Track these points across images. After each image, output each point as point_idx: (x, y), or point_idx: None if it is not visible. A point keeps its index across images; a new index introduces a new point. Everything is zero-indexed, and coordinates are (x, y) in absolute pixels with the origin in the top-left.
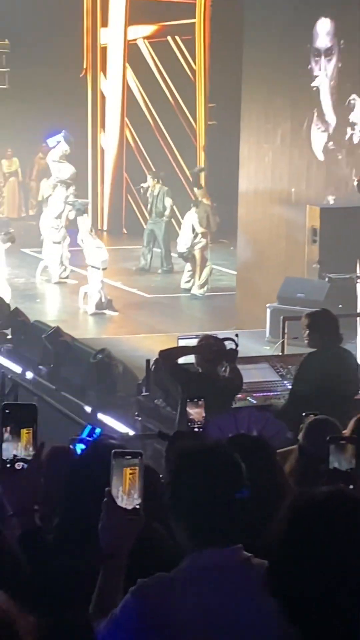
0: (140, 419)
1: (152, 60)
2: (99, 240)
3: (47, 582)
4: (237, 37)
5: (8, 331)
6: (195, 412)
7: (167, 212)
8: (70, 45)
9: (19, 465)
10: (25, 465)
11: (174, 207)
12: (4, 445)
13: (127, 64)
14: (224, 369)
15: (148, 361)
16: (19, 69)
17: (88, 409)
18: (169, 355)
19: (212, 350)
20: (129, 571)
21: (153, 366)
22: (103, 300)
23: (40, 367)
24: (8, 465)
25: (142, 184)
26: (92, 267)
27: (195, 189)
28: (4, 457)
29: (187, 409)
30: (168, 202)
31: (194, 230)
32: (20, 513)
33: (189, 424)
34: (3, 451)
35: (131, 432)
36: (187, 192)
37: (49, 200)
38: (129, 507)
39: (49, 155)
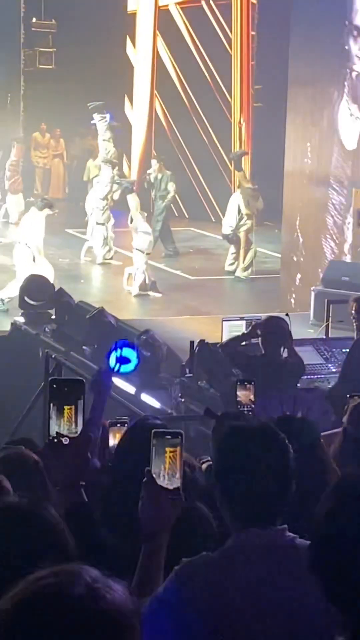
0: (183, 400)
1: (184, 27)
2: (146, 224)
3: (92, 558)
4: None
5: (52, 311)
6: (244, 395)
7: (169, 196)
8: (115, 25)
9: (65, 440)
10: (70, 442)
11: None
12: (50, 421)
13: (157, 32)
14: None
15: (192, 343)
16: (65, 50)
17: (131, 389)
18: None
19: (280, 330)
20: (171, 551)
21: (197, 348)
22: (147, 281)
23: (84, 347)
24: (55, 440)
25: (148, 170)
26: (137, 250)
27: (236, 172)
28: (50, 433)
29: (237, 391)
30: (171, 186)
31: (239, 211)
32: (66, 488)
33: (238, 406)
34: (49, 426)
35: (174, 413)
36: (219, 169)
37: (95, 180)
38: (170, 487)
39: (99, 134)
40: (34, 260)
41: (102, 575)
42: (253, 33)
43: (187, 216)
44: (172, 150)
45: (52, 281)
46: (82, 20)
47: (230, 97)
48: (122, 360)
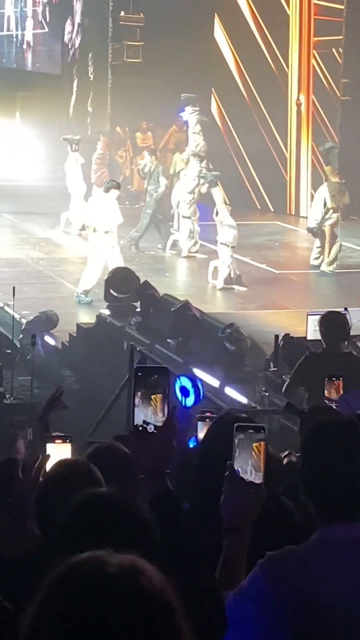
0: (267, 394)
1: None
2: (231, 219)
3: (177, 547)
4: None
5: (137, 304)
6: (332, 390)
7: (159, 190)
8: (202, 17)
9: (150, 428)
10: (156, 430)
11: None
12: (135, 409)
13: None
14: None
15: (277, 337)
16: (152, 43)
17: (215, 382)
18: None
19: (338, 325)
20: (254, 544)
21: (282, 342)
22: (232, 275)
23: (169, 340)
24: (140, 428)
25: (140, 161)
26: (222, 243)
27: (325, 166)
28: (136, 421)
29: (325, 386)
30: (162, 180)
31: (325, 205)
32: (152, 476)
33: (326, 401)
34: (135, 415)
35: (257, 407)
36: (275, 160)
37: (181, 174)
38: (253, 481)
39: (189, 127)
40: (112, 247)
41: (136, 557)
42: (340, 20)
43: (272, 210)
44: (264, 144)
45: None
46: (170, 13)
47: (287, 66)
48: (183, 391)
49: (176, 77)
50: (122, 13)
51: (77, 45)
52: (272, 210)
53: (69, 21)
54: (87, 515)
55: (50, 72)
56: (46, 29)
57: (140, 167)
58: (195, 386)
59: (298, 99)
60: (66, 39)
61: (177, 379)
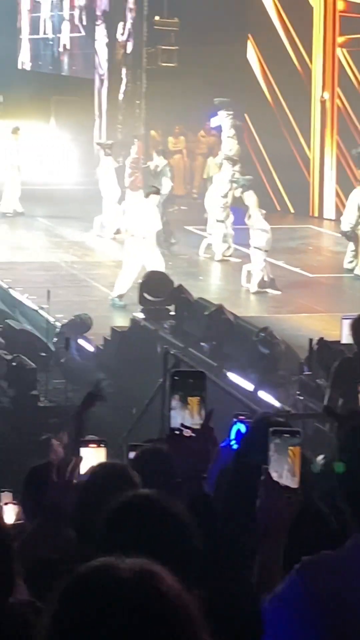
0: (302, 398)
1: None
2: (265, 222)
3: (215, 550)
4: None
5: (171, 307)
6: None
7: (163, 191)
8: (236, 23)
9: (187, 433)
10: (193, 434)
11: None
12: (172, 412)
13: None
14: None
15: (311, 341)
16: (187, 47)
17: (249, 386)
18: None
19: None
20: (290, 549)
21: (316, 346)
22: (266, 279)
23: (203, 344)
24: (176, 433)
25: (149, 162)
26: (255, 247)
27: (357, 169)
28: (172, 425)
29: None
30: (165, 181)
31: (359, 209)
32: (188, 480)
33: None
34: (171, 419)
35: (292, 411)
36: (297, 161)
37: (215, 178)
38: (289, 485)
39: (224, 131)
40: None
41: (149, 562)
42: None
43: (292, 211)
44: (285, 144)
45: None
46: (205, 18)
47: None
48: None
49: (210, 81)
50: (157, 18)
51: (113, 49)
52: (292, 211)
53: (104, 25)
54: (129, 516)
55: (86, 77)
56: (82, 33)
57: (151, 168)
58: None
59: (322, 95)
60: (102, 42)
61: (236, 422)
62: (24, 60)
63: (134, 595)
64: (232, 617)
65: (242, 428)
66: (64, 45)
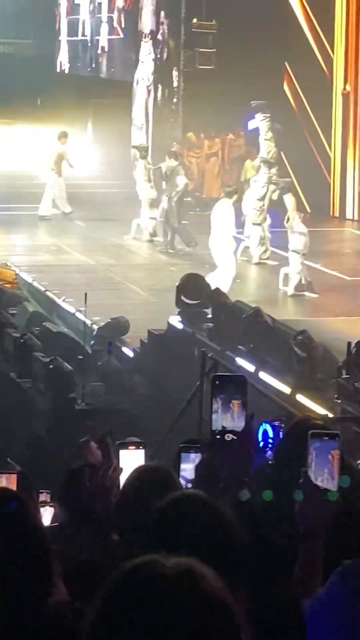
0: (339, 401)
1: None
2: (302, 225)
3: (257, 553)
4: None
5: (208, 310)
6: None
7: (177, 190)
8: (274, 26)
9: (228, 437)
10: (235, 437)
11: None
12: (214, 416)
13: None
14: None
15: (349, 344)
16: (224, 50)
17: (287, 389)
18: None
19: None
20: (329, 552)
21: (354, 349)
22: (303, 282)
23: (240, 346)
24: (218, 437)
25: (161, 164)
26: (292, 251)
27: None
28: (214, 428)
29: None
30: (180, 180)
31: None
32: (230, 483)
33: None
34: (213, 422)
35: (330, 415)
36: (316, 160)
37: (252, 181)
38: (328, 488)
39: (261, 133)
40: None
41: (193, 561)
42: None
43: (309, 211)
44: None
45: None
46: (243, 20)
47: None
48: (265, 435)
49: (249, 84)
50: (195, 20)
51: (150, 51)
52: (309, 211)
53: (143, 28)
54: (178, 515)
55: (124, 79)
56: (121, 35)
57: (162, 170)
58: (275, 436)
59: (345, 88)
60: (141, 45)
61: (262, 423)
62: (63, 62)
63: (176, 593)
64: (274, 620)
65: (269, 429)
66: (102, 48)
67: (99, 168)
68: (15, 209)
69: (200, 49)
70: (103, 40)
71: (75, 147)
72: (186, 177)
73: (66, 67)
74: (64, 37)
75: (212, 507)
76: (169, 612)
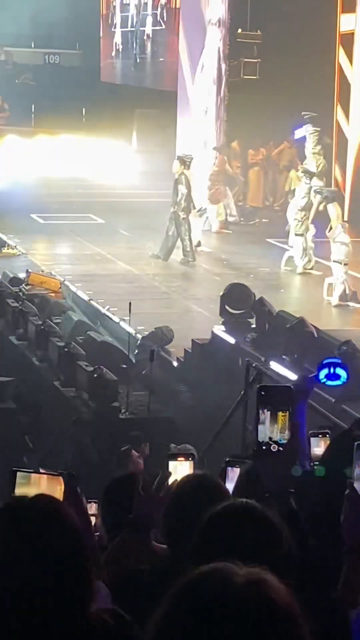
0: None
1: None
2: (345, 235)
3: (305, 564)
4: None
5: (252, 320)
6: None
7: (179, 199)
8: (319, 36)
9: (274, 448)
10: (281, 448)
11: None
12: (260, 427)
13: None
14: None
15: None
16: (269, 60)
17: (331, 399)
18: None
19: None
20: None
21: None
22: (347, 292)
23: (284, 357)
24: (264, 447)
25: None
26: (334, 261)
27: None
28: (260, 439)
29: None
30: (182, 188)
31: None
32: (276, 494)
33: None
34: (259, 433)
35: None
36: None
37: (296, 191)
38: None
39: (307, 145)
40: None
41: (263, 570)
42: None
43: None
44: None
45: None
46: (288, 30)
47: None
48: (332, 377)
49: (294, 95)
50: (240, 30)
51: (194, 60)
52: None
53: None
54: (229, 522)
55: (168, 89)
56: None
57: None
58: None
59: None
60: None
61: (331, 367)
62: (107, 72)
63: (244, 602)
64: (322, 631)
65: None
66: (148, 57)
67: (143, 177)
68: (59, 219)
69: (245, 59)
70: (148, 49)
71: (120, 158)
72: (186, 187)
73: (113, 77)
74: (118, 30)
75: (264, 517)
76: (238, 622)
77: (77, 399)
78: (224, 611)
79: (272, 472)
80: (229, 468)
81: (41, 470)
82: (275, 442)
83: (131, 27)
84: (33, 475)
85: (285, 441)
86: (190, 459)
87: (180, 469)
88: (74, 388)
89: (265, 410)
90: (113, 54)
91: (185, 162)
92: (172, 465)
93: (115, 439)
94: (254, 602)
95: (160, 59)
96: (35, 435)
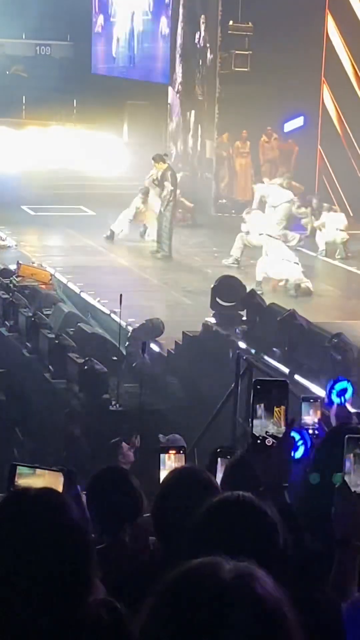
0: None
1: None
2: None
3: (299, 558)
4: None
5: (243, 312)
6: None
7: (164, 195)
8: (310, 30)
9: (269, 442)
10: (276, 442)
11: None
12: (255, 421)
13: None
14: None
15: None
16: (260, 52)
17: (322, 392)
18: None
19: None
20: None
21: None
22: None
23: (275, 349)
24: (259, 442)
25: (152, 171)
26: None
27: None
28: (255, 433)
29: None
30: (167, 184)
31: None
32: (270, 489)
33: None
34: (254, 427)
35: None
36: None
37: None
38: None
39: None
40: None
41: (250, 564)
42: None
43: (351, 215)
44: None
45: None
46: (279, 23)
47: None
48: (341, 393)
49: (285, 87)
50: (231, 22)
51: (185, 53)
52: (352, 215)
53: (179, 30)
54: (225, 515)
55: (160, 82)
56: (158, 37)
57: (154, 177)
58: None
59: None
60: (176, 47)
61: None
62: (98, 64)
63: (231, 596)
64: (314, 624)
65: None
66: (139, 50)
67: (133, 169)
68: (50, 210)
69: (237, 51)
70: (140, 42)
71: (110, 150)
72: (171, 184)
73: (103, 68)
74: (109, 22)
75: (261, 510)
76: (224, 616)
77: (67, 391)
78: (210, 606)
79: (266, 466)
80: (220, 459)
81: (41, 466)
82: (271, 436)
83: (122, 19)
84: (33, 470)
85: (280, 435)
86: (182, 452)
87: (171, 463)
88: (64, 380)
89: (263, 403)
90: (104, 46)
91: (164, 159)
92: (163, 458)
93: (106, 431)
94: (241, 596)
95: (152, 51)
96: (26, 427)
